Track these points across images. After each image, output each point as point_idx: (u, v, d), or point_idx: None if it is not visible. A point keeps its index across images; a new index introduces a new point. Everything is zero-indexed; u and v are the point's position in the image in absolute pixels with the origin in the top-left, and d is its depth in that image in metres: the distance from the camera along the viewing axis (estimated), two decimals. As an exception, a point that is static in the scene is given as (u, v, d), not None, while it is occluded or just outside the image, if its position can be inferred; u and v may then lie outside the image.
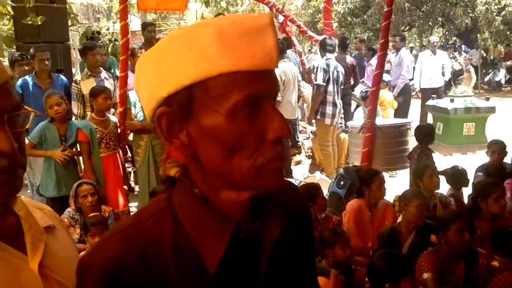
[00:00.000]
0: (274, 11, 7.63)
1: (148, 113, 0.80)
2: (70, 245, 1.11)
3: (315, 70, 6.22)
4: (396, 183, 5.59)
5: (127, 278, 0.76)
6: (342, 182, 4.68)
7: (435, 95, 8.74)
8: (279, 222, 0.84)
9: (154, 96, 0.76)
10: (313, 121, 6.33)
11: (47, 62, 5.07)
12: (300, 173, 6.68)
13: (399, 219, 3.52)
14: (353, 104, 7.75)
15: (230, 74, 0.71)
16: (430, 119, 8.57)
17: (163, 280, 0.77)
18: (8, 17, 6.25)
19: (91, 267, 0.77)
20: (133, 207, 4.79)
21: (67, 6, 6.88)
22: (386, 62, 6.09)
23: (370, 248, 3.67)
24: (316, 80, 6.11)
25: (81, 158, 4.47)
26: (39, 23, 5.47)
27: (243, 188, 0.78)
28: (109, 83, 5.13)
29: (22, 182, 0.87)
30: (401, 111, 7.79)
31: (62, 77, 5.45)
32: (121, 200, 4.36)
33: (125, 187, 4.61)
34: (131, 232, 0.80)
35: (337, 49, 7.34)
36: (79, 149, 4.31)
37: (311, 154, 7.11)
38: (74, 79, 5.63)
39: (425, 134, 4.78)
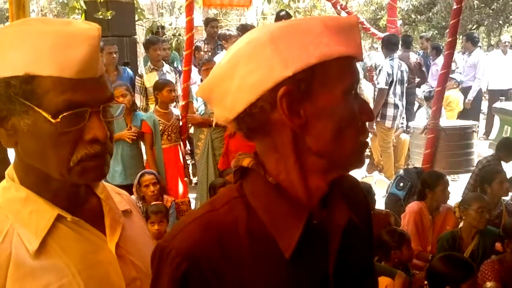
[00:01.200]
0: (338, 7, 7.55)
1: (253, 96, 0.79)
2: (143, 230, 1.16)
3: (378, 71, 6.09)
4: (458, 188, 5.40)
5: (205, 263, 0.79)
6: (401, 184, 4.57)
7: (503, 97, 8.35)
8: (346, 210, 0.87)
9: (271, 77, 0.78)
10: (374, 122, 6.20)
11: (114, 55, 5.27)
12: (358, 173, 6.59)
13: (461, 225, 3.43)
14: (416, 104, 7.54)
15: (345, 58, 0.80)
16: (496, 122, 8.19)
17: (239, 265, 0.81)
18: (80, 11, 6.55)
19: (170, 252, 0.80)
20: (191, 198, 4.90)
21: (135, 2, 7.12)
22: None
23: (430, 253, 3.58)
24: (378, 83, 5.98)
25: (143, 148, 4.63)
26: (109, 17, 5.71)
27: (337, 169, 0.85)
28: (171, 77, 5.27)
29: (109, 168, 0.92)
30: (471, 113, 7.49)
31: (128, 70, 5.65)
32: (181, 191, 4.48)
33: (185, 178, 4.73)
34: (207, 220, 0.83)
35: (400, 47, 7.16)
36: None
37: (369, 153, 6.99)
38: (139, 72, 5.82)
39: (509, 149, 4.49)
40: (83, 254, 0.91)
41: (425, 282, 2.76)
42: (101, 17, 5.68)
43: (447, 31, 5.38)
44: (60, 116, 0.82)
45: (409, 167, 5.54)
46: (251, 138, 0.86)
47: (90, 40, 0.83)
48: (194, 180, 6.08)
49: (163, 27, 7.96)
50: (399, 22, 8.16)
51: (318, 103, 0.79)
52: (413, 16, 17.18)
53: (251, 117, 0.81)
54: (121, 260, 0.97)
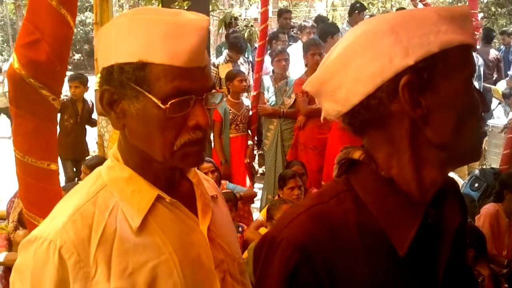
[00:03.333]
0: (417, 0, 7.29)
1: (371, 87, 0.79)
2: (227, 215, 1.20)
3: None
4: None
5: (317, 255, 0.79)
6: (476, 184, 4.39)
7: None
8: (458, 209, 0.85)
9: (392, 66, 0.77)
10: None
11: None
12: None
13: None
14: (494, 101, 7.16)
15: (464, 46, 0.79)
16: None
17: (350, 259, 0.80)
18: (157, 1, 6.74)
19: (281, 243, 0.81)
20: (256, 188, 4.95)
21: (209, -8, 7.24)
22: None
23: (505, 258, 3.42)
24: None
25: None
26: (185, 8, 5.84)
27: (456, 161, 0.84)
28: (244, 68, 5.33)
29: (206, 153, 0.96)
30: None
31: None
32: (246, 181, 4.54)
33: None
34: (318, 211, 0.83)
35: (480, 41, 6.83)
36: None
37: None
38: (211, 62, 5.93)
39: None
40: (178, 234, 0.96)
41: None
42: (177, 7, 5.82)
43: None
44: (169, 102, 0.85)
45: (485, 167, 5.30)
46: (363, 132, 0.85)
47: (199, 30, 0.87)
48: (260, 170, 6.14)
49: (236, 18, 8.05)
50: (480, 15, 7.75)
51: (440, 92, 0.78)
52: (493, 9, 16.27)
53: (367, 109, 0.80)
54: (211, 243, 1.00)
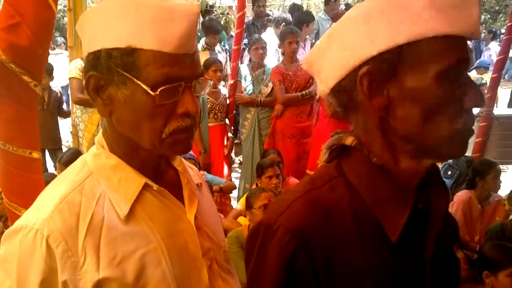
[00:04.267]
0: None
1: (337, 74, 0.81)
2: (212, 203, 1.19)
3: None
4: (508, 179, 5.23)
5: (314, 241, 0.79)
6: (449, 172, 4.48)
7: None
8: (446, 196, 0.86)
9: (357, 55, 0.78)
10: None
11: None
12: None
13: (511, 217, 3.35)
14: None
15: (444, 37, 0.74)
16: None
17: (346, 245, 0.80)
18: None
19: (278, 230, 0.80)
20: (233, 178, 4.94)
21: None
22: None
23: (477, 243, 3.51)
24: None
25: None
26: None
27: (428, 155, 0.80)
28: (221, 56, 5.30)
29: (193, 141, 0.95)
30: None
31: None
32: (225, 170, 4.53)
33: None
34: (312, 197, 0.83)
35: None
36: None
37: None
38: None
39: None
40: (166, 223, 0.94)
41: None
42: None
43: (500, 15, 5.14)
44: (159, 89, 0.83)
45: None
46: (345, 116, 0.85)
47: (189, 16, 0.85)
48: (236, 159, 6.13)
49: (212, 6, 7.97)
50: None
51: (404, 85, 0.76)
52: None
53: (342, 93, 0.82)
54: (198, 231, 0.99)
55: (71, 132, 4.88)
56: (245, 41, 5.26)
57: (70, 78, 4.15)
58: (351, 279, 0.80)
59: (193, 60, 0.88)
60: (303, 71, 4.42)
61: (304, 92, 4.35)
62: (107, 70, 0.86)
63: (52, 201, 0.87)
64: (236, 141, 5.78)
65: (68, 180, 0.92)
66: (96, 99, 0.90)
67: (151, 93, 0.84)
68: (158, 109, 0.86)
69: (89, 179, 0.91)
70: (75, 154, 3.68)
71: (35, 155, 1.28)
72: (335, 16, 6.13)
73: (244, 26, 4.93)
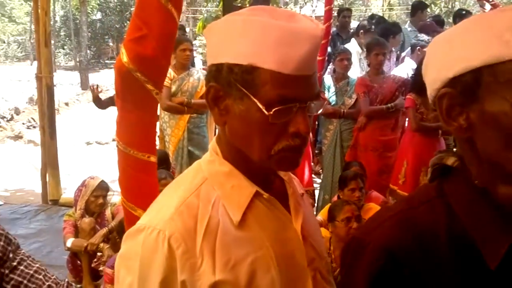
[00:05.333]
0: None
1: (430, 93, 0.82)
2: (312, 213, 1.20)
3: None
4: None
5: (404, 261, 0.78)
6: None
7: None
8: None
9: (439, 77, 0.78)
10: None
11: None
12: None
13: None
14: None
15: None
16: None
17: (438, 269, 0.78)
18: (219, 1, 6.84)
19: (368, 246, 0.80)
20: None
21: (269, -10, 7.27)
22: None
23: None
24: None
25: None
26: (247, 5, 5.90)
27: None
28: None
29: (301, 159, 0.96)
30: None
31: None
32: (306, 179, 4.52)
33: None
34: (407, 217, 0.82)
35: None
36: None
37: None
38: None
39: None
40: (274, 231, 0.96)
41: None
42: (239, 4, 5.89)
43: None
44: (273, 109, 0.85)
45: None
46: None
47: (312, 39, 0.86)
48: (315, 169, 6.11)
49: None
50: None
51: (484, 108, 0.73)
52: None
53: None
54: (304, 241, 1.00)
55: (158, 136, 5.10)
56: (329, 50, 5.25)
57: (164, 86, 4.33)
58: None
59: (310, 81, 0.89)
60: (389, 84, 4.34)
61: (390, 105, 4.25)
62: (227, 83, 0.89)
63: (172, 204, 0.91)
64: (316, 151, 5.78)
65: (185, 184, 0.96)
66: (213, 108, 0.94)
67: (265, 112, 0.86)
68: (269, 127, 0.87)
69: (205, 185, 0.95)
70: (161, 153, 3.82)
71: (152, 159, 1.36)
72: (422, 28, 5.95)
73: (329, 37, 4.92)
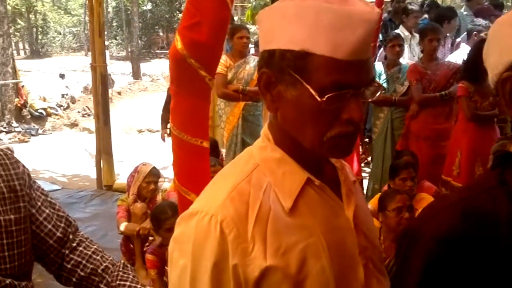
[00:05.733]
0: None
1: (492, 77, 0.80)
2: (365, 201, 1.18)
3: None
4: None
5: (460, 252, 0.76)
6: None
7: None
8: None
9: (501, 61, 0.76)
10: None
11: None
12: None
13: None
14: None
15: None
16: None
17: (497, 259, 0.75)
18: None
19: (424, 236, 0.79)
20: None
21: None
22: None
23: None
24: None
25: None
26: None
27: None
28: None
29: (354, 146, 0.94)
30: None
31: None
32: (355, 168, 4.45)
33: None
34: (465, 206, 0.79)
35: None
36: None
37: None
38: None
39: None
40: (325, 218, 0.95)
41: None
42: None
43: None
44: (326, 96, 0.84)
45: None
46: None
47: (367, 22, 0.83)
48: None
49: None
50: None
51: None
52: None
53: (499, 99, 0.79)
54: (355, 229, 0.98)
55: (208, 125, 5.17)
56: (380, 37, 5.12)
57: (216, 73, 4.37)
58: None
59: (365, 66, 0.87)
60: (443, 70, 4.19)
61: (443, 92, 4.12)
62: (279, 69, 0.88)
63: (224, 190, 0.92)
64: (365, 140, 5.69)
65: (237, 170, 0.97)
66: (265, 94, 0.93)
67: (318, 98, 0.84)
68: (322, 113, 0.86)
69: (256, 171, 0.95)
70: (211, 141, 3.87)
71: (205, 144, 1.38)
72: (478, 12, 5.71)
73: (381, 23, 4.80)
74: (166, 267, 3.20)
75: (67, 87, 13.51)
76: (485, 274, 0.75)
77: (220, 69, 4.32)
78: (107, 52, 6.95)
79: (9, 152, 1.29)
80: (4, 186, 1.19)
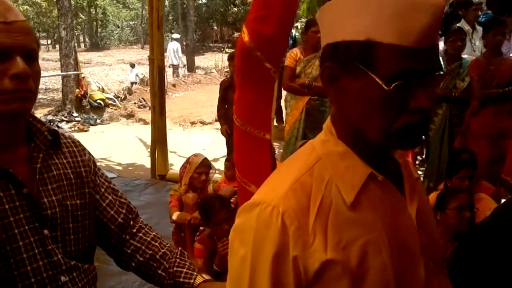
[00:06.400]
0: None
1: None
2: (427, 198, 1.14)
3: None
4: None
5: None
6: None
7: None
8: None
9: None
10: None
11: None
12: None
13: None
14: None
15: None
16: None
17: None
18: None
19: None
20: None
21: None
22: None
23: None
24: None
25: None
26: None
27: None
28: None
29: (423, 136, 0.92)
30: None
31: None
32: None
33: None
34: None
35: None
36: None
37: None
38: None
39: None
40: (388, 214, 0.93)
41: None
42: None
43: None
44: (393, 84, 0.82)
45: None
46: None
47: (433, 8, 0.81)
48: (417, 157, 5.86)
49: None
50: None
51: None
52: None
53: None
54: (418, 227, 0.96)
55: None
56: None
57: (285, 66, 4.38)
58: None
59: (432, 53, 0.84)
60: (507, 65, 4.00)
61: (507, 88, 3.93)
62: (344, 61, 0.87)
63: (286, 182, 0.92)
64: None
65: (299, 163, 0.96)
66: (329, 88, 0.92)
67: (385, 87, 0.82)
68: (390, 103, 0.84)
69: (318, 164, 0.94)
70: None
71: (267, 136, 1.38)
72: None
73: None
74: (212, 257, 3.24)
75: (137, 75, 14.33)
76: None
77: (289, 62, 4.33)
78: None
79: (77, 140, 1.34)
80: (72, 173, 1.24)
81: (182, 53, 17.43)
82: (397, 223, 0.94)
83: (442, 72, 0.88)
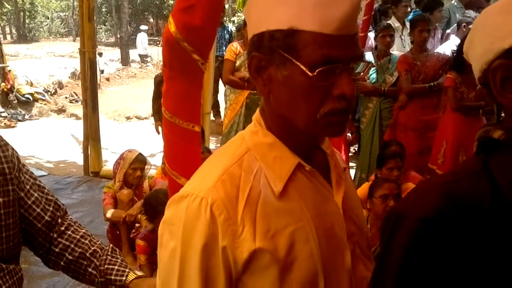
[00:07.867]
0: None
1: (478, 66, 0.81)
2: (354, 187, 1.18)
3: None
4: None
5: (443, 233, 0.76)
6: None
7: None
8: None
9: (492, 48, 0.76)
10: None
11: None
12: None
13: None
14: None
15: None
16: None
17: (480, 241, 0.75)
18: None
19: (408, 217, 0.79)
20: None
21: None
22: None
23: None
24: None
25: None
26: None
27: None
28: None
29: (347, 124, 0.95)
30: None
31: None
32: (343, 157, 4.48)
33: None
34: (449, 189, 0.79)
35: None
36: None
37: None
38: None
39: None
40: (315, 203, 0.96)
41: None
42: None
43: None
44: (316, 70, 0.84)
45: None
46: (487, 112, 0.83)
47: None
48: (351, 149, 6.04)
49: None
50: None
51: None
52: None
53: (485, 87, 0.80)
54: (344, 215, 0.99)
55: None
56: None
57: (224, 59, 4.35)
58: (479, 276, 0.75)
59: (352, 41, 0.87)
60: (433, 62, 4.21)
61: (432, 83, 4.14)
62: (269, 51, 0.88)
63: (215, 173, 0.92)
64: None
65: (228, 154, 0.97)
66: (257, 78, 0.93)
67: (309, 74, 0.84)
68: (314, 90, 0.86)
69: (247, 155, 0.95)
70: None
71: (197, 128, 1.37)
72: (468, 4, 5.73)
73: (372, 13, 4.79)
74: (156, 252, 3.20)
75: (105, 63, 13.84)
76: (466, 255, 0.75)
77: (229, 55, 4.31)
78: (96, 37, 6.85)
79: (-1, 135, 1.27)
80: None
81: (115, 46, 17.15)
82: (324, 211, 0.97)
83: (363, 62, 0.92)
